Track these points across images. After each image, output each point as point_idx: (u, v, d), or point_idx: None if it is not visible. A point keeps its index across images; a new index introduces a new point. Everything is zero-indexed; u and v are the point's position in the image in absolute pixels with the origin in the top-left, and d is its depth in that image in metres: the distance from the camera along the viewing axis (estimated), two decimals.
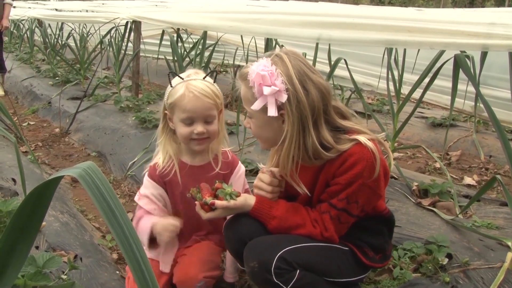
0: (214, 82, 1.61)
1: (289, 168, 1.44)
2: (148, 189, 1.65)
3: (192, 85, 1.54)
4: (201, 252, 1.67)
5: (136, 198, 1.68)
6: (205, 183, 1.55)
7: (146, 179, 1.67)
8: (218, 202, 1.47)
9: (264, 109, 1.37)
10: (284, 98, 1.34)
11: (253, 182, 1.59)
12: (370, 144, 1.38)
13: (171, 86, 1.58)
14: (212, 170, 1.66)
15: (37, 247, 1.95)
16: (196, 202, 1.52)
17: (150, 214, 1.62)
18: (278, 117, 1.38)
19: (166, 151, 1.64)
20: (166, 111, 1.61)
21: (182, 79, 1.57)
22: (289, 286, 1.37)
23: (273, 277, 1.36)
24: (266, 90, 1.34)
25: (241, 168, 1.74)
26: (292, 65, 1.37)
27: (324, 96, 1.38)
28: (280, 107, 1.37)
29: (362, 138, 1.38)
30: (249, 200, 1.51)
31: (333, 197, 1.43)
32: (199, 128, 1.55)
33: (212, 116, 1.57)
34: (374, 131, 1.53)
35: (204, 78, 1.58)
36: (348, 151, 1.38)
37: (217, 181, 1.56)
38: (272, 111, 1.35)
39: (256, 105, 1.38)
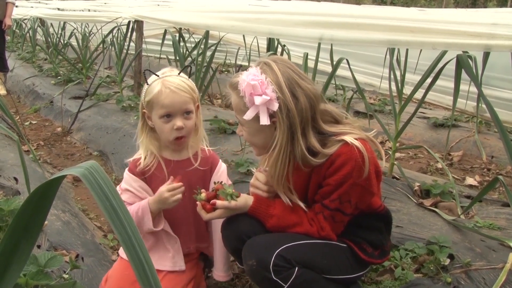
0: (189, 77, 1.65)
1: (277, 177, 1.44)
2: (128, 182, 1.66)
3: (167, 81, 1.57)
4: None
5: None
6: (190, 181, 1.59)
7: (126, 173, 1.68)
8: (219, 202, 1.48)
9: (256, 117, 1.38)
10: (275, 106, 1.35)
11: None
12: (356, 143, 1.38)
13: (147, 84, 1.60)
14: (191, 166, 1.68)
15: (38, 246, 1.95)
16: (197, 202, 1.53)
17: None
18: (270, 125, 1.39)
19: (148, 149, 1.65)
20: (144, 110, 1.63)
21: (158, 76, 1.60)
22: (288, 283, 1.37)
23: (272, 274, 1.36)
24: (258, 100, 1.34)
25: (222, 166, 1.77)
26: (281, 72, 1.38)
27: (313, 102, 1.39)
28: (271, 115, 1.38)
29: (348, 138, 1.39)
30: (249, 200, 1.52)
31: (325, 198, 1.43)
32: (178, 122, 1.57)
33: (190, 109, 1.59)
34: (372, 131, 1.53)
35: (179, 74, 1.62)
36: (335, 152, 1.39)
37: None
38: (265, 120, 1.37)
39: (248, 115, 1.39)
